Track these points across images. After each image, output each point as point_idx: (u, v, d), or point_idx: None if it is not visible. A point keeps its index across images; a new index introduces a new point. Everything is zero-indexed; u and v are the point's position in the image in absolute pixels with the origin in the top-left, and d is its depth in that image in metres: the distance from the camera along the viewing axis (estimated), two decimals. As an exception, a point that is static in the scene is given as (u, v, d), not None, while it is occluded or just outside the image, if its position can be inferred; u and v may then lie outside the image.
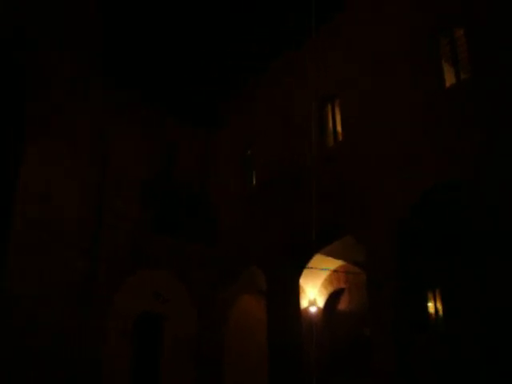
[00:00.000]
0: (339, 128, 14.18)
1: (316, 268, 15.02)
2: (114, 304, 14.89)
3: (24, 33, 14.75)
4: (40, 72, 14.77)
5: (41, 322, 13.21)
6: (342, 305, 16.39)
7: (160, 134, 17.51)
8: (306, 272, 14.81)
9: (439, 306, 12.47)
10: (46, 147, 14.40)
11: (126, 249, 15.37)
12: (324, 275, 16.43)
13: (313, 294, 16.73)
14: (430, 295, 12.59)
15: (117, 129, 16.12)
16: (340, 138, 14.12)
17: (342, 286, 16.33)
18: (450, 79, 11.28)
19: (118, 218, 15.40)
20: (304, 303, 16.31)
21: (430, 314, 12.49)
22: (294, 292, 14.50)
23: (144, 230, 15.76)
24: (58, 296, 13.71)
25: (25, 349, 12.75)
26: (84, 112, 15.33)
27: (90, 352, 13.89)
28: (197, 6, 13.92)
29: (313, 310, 16.47)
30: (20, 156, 14.12)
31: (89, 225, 14.77)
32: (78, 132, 15.14)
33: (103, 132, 15.59)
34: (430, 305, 12.56)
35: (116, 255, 15.09)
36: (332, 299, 16.61)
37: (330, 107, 14.71)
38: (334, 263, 15.82)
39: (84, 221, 14.70)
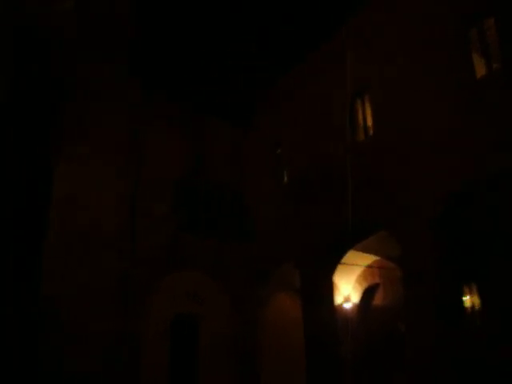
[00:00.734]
0: (369, 122, 14.09)
1: (350, 264, 14.99)
2: (152, 304, 15.08)
3: (55, 36, 15.00)
4: (72, 75, 14.98)
5: (78, 323, 13.43)
6: (377, 300, 16.29)
7: (192, 134, 17.62)
8: (340, 268, 14.80)
9: (476, 300, 12.35)
10: (80, 150, 14.61)
11: (161, 250, 15.53)
12: (358, 271, 16.35)
13: (347, 290, 16.66)
14: (467, 289, 12.47)
15: (149, 130, 16.30)
16: (371, 132, 14.03)
17: (377, 281, 16.22)
18: (480, 70, 11.13)
19: (153, 220, 15.57)
20: (338, 299, 16.26)
21: (467, 309, 12.36)
22: (329, 289, 14.53)
23: (179, 231, 15.89)
24: (96, 298, 13.90)
25: (63, 350, 12.98)
26: (117, 114, 15.50)
27: (129, 352, 14.08)
28: (224, 5, 14.00)
29: (347, 306, 16.40)
30: (55, 158, 14.34)
31: (124, 226, 14.95)
32: (112, 134, 15.32)
33: (137, 134, 15.76)
34: (467, 299, 12.44)
35: (152, 256, 15.26)
36: (366, 295, 16.52)
37: (360, 102, 14.63)
38: (368, 259, 15.74)
39: (119, 222, 14.87)
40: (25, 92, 14.40)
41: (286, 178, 17.06)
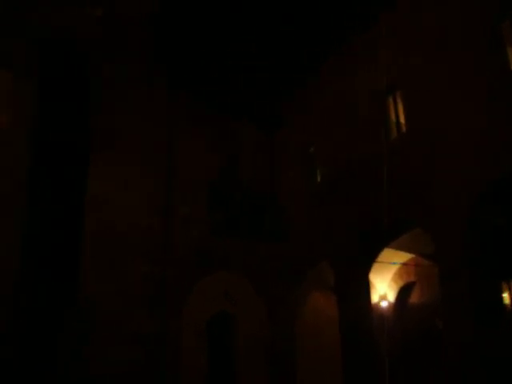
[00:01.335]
0: (402, 119, 13.99)
1: (385, 262, 14.90)
2: (188, 306, 15.24)
3: (85, 45, 15.27)
4: (104, 83, 15.22)
5: (116, 324, 13.64)
6: (414, 298, 16.17)
7: (223, 135, 17.74)
8: (375, 267, 14.75)
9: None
10: (113, 154, 14.83)
11: (195, 252, 15.68)
12: (393, 269, 16.24)
13: (383, 288, 16.57)
14: (505, 286, 12.28)
15: (181, 132, 16.46)
16: (403, 129, 13.93)
17: (413, 279, 16.09)
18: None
19: (186, 222, 15.73)
20: (374, 298, 16.18)
21: (505, 305, 12.18)
22: (364, 287, 14.48)
23: (212, 233, 15.98)
24: (133, 301, 14.10)
25: (103, 352, 13.20)
26: (148, 119, 15.70)
27: (168, 353, 14.25)
28: (253, 6, 14.06)
29: (383, 304, 16.30)
30: (88, 164, 14.60)
31: (158, 229, 15.12)
32: (144, 137, 15.52)
33: (168, 136, 15.92)
34: (505, 296, 12.26)
35: (186, 258, 15.43)
36: (403, 293, 16.40)
37: (391, 98, 14.54)
38: (404, 257, 15.63)
39: (153, 225, 15.05)
40: (57, 95, 14.72)
41: (318, 178, 17.05)
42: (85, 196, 14.37)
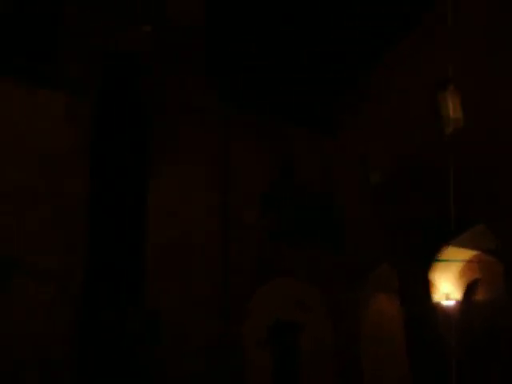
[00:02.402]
0: (457, 114, 13.70)
1: (448, 260, 14.64)
2: (250, 313, 15.32)
3: (138, 59, 15.61)
4: (161, 97, 15.54)
5: (182, 338, 13.87)
6: (479, 296, 15.78)
7: (276, 141, 17.75)
8: (437, 265, 14.51)
9: None
10: (171, 166, 15.11)
11: (255, 259, 15.81)
12: (457, 267, 15.91)
13: (446, 287, 16.24)
14: None
15: (233, 141, 16.56)
16: (459, 124, 13.65)
17: (477, 276, 15.73)
18: None
19: (245, 230, 15.83)
20: (438, 297, 15.89)
21: None
22: (427, 287, 14.29)
23: (270, 239, 16.07)
24: (197, 311, 14.30)
25: (168, 365, 13.44)
26: (204, 129, 15.93)
27: (231, 361, 14.36)
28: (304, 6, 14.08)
29: (447, 303, 15.99)
30: (148, 177, 14.90)
31: (217, 237, 15.30)
32: (200, 147, 15.77)
33: (222, 146, 16.08)
34: None
35: (246, 266, 15.57)
36: (467, 291, 16.05)
37: (445, 94, 14.28)
38: (466, 254, 15.28)
39: (212, 233, 15.25)
40: (113, 112, 15.09)
41: (374, 178, 16.87)
42: (146, 208, 14.68)
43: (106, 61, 15.32)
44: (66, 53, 14.78)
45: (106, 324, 13.63)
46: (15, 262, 12.11)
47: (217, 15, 14.95)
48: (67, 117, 14.26)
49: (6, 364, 11.99)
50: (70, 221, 13.66)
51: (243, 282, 15.42)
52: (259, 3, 14.19)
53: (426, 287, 14.25)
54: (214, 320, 14.59)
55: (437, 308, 14.77)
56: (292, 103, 17.45)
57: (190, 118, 15.83)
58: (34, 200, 13.44)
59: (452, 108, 13.92)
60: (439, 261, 14.43)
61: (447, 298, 15.98)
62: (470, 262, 15.53)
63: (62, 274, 13.01)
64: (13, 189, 13.29)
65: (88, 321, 13.39)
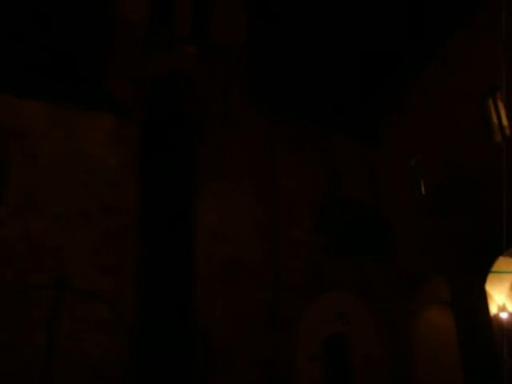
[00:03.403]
0: (505, 121, 13.46)
1: (502, 272, 14.28)
2: (301, 327, 15.26)
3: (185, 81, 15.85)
4: (207, 114, 15.72)
5: (231, 351, 13.87)
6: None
7: (322, 154, 17.75)
8: (491, 277, 14.15)
9: None
10: (219, 183, 15.23)
11: (305, 274, 15.83)
12: (510, 278, 15.51)
13: (501, 299, 15.82)
14: None
15: (280, 156, 16.61)
16: (507, 132, 13.39)
17: (533, 287, 15.30)
18: None
19: (294, 245, 15.82)
20: (493, 309, 15.48)
21: None
22: (481, 298, 13.94)
23: (320, 254, 16.01)
24: (247, 327, 14.29)
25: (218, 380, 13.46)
26: (249, 146, 16.03)
27: (282, 375, 14.29)
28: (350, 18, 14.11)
29: (503, 315, 15.55)
30: (196, 195, 15.02)
31: (266, 253, 15.32)
32: (246, 164, 15.87)
33: (269, 163, 16.13)
34: None
35: (297, 282, 15.60)
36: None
37: (492, 101, 14.04)
38: (520, 265, 14.91)
39: (261, 249, 15.27)
40: (162, 132, 15.30)
41: (422, 189, 16.66)
42: (194, 226, 14.79)
43: (152, 81, 15.59)
44: (112, 76, 15.10)
45: (161, 346, 13.77)
46: (67, 282, 12.22)
47: (260, 31, 15.06)
48: (116, 137, 14.53)
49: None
50: (120, 241, 13.84)
51: (295, 297, 15.42)
52: (303, 18, 14.28)
53: (483, 299, 13.89)
54: (264, 337, 14.54)
55: (492, 321, 14.38)
56: (338, 116, 17.45)
57: (236, 134, 15.96)
58: (85, 220, 13.67)
59: (500, 116, 13.72)
60: (493, 272, 14.07)
61: (503, 310, 15.57)
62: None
63: (113, 294, 13.13)
64: (64, 211, 13.56)
65: (142, 344, 13.50)
